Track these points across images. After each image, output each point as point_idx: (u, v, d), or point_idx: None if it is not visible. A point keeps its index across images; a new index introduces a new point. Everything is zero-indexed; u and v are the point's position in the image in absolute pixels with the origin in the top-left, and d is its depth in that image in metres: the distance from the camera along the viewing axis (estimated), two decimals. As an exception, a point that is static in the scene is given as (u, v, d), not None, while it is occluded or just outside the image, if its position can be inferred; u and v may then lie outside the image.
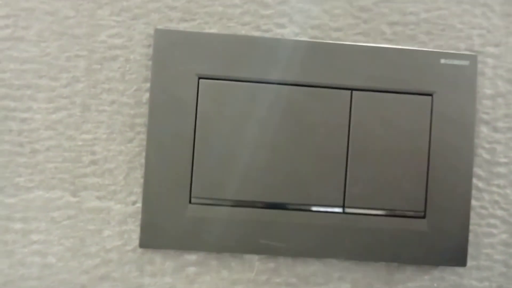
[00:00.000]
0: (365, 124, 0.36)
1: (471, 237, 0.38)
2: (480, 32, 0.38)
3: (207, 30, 0.37)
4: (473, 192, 0.38)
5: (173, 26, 0.36)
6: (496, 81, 0.38)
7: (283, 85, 0.36)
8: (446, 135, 0.37)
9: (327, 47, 0.36)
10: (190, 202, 0.35)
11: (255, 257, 0.37)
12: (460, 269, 0.38)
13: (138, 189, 0.36)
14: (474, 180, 0.38)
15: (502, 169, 0.38)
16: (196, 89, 0.35)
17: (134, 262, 0.36)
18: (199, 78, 0.35)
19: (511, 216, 0.38)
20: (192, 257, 0.37)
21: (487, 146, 0.38)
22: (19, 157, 0.36)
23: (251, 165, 0.36)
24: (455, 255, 0.37)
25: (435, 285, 0.38)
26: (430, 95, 0.37)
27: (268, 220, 0.36)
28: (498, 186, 0.38)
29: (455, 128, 0.37)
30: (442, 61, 0.37)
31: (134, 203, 0.36)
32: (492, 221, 0.38)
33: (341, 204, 0.36)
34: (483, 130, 0.38)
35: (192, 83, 0.35)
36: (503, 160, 0.38)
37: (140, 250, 0.36)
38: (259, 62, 0.36)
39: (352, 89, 0.36)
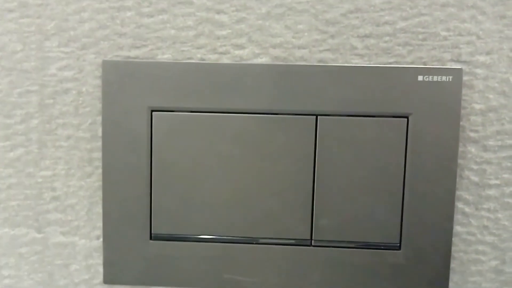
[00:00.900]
0: (332, 152, 0.33)
1: (456, 264, 0.35)
2: (468, 39, 0.33)
3: (160, 56, 0.34)
4: (459, 217, 0.35)
5: (123, 54, 0.34)
6: (487, 94, 0.34)
7: (242, 114, 0.33)
8: (423, 159, 0.33)
9: (289, 70, 0.33)
10: (151, 238, 0.34)
11: None
12: (443, 299, 0.36)
13: (101, 224, 0.36)
14: (460, 205, 0.35)
15: (492, 192, 0.35)
16: (150, 123, 0.33)
17: (103, 295, 0.37)
18: (152, 111, 0.33)
19: (502, 242, 0.35)
20: (159, 289, 0.36)
21: (475, 167, 0.34)
22: (-17, 196, 0.36)
23: (212, 199, 0.34)
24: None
25: (416, 315, 0.36)
26: (406, 117, 0.33)
27: (232, 255, 0.34)
28: (488, 210, 0.35)
29: (434, 151, 0.33)
30: (420, 78, 0.33)
31: (98, 237, 0.36)
32: (481, 247, 0.35)
33: (309, 237, 0.34)
34: (471, 150, 0.34)
35: (144, 116, 0.33)
36: (494, 182, 0.34)
37: (107, 283, 0.36)
38: (215, 90, 0.33)
39: (317, 115, 0.33)
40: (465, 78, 0.33)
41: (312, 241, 0.34)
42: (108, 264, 0.35)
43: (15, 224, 0.36)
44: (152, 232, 0.34)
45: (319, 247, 0.34)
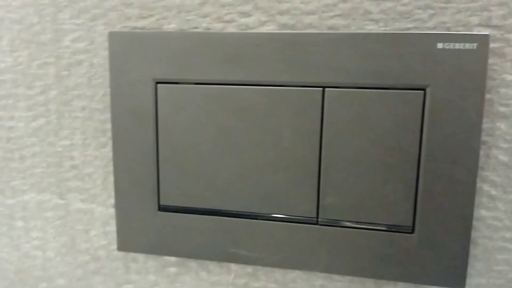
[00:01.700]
0: (340, 127, 0.31)
1: (479, 251, 0.32)
2: (501, 0, 0.29)
3: (166, 26, 0.34)
4: (484, 200, 0.31)
5: (131, 24, 0.34)
6: (522, 62, 0.30)
7: (246, 86, 0.32)
8: (442, 136, 0.30)
9: (296, 38, 0.31)
10: (159, 209, 0.35)
11: (232, 262, 0.36)
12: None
13: (116, 193, 0.37)
14: (486, 187, 0.31)
15: (525, 174, 0.31)
16: (155, 95, 0.33)
17: (120, 260, 0.38)
18: (157, 83, 0.33)
19: (535, 230, 0.31)
20: (172, 258, 0.37)
21: (505, 146, 0.31)
22: (12, 162, 0.38)
23: (218, 173, 0.33)
24: (451, 275, 0.31)
25: (432, 301, 0.34)
26: (423, 89, 0.30)
27: (237, 230, 0.34)
28: (519, 193, 0.31)
29: (454, 127, 0.30)
30: (439, 45, 0.29)
31: (113, 206, 0.37)
32: (508, 234, 0.32)
33: (315, 215, 0.33)
34: (500, 126, 0.30)
35: (150, 88, 0.33)
36: (526, 162, 0.31)
37: (123, 250, 0.38)
38: (220, 61, 0.32)
39: (324, 87, 0.31)
40: (494, 45, 0.30)
41: (319, 219, 0.33)
42: (121, 232, 0.36)
43: (40, 190, 0.38)
44: (160, 203, 0.35)
45: (326, 226, 0.33)
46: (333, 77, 0.31)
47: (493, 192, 0.31)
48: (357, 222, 0.32)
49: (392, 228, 0.32)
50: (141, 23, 0.34)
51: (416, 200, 0.31)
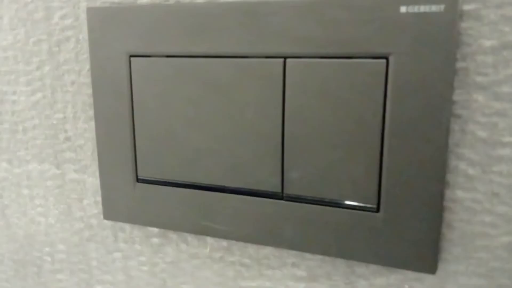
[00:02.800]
0: (302, 98, 0.30)
1: (456, 236, 0.29)
2: (476, -45, 0.26)
3: (140, 0, 0.34)
4: (461, 180, 0.29)
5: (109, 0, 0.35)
6: (501, 26, 0.26)
7: (209, 58, 0.32)
8: (407, 109, 0.28)
9: (256, 7, 0.30)
10: (137, 181, 0.36)
11: (208, 235, 0.36)
12: (440, 271, 0.30)
13: (103, 164, 0.38)
14: (462, 166, 0.28)
15: (506, 152, 0.27)
16: (129, 68, 0.34)
17: (110, 229, 0.40)
18: (130, 56, 0.34)
19: (519, 214, 0.28)
20: (154, 229, 0.38)
21: (483, 120, 0.28)
22: (17, 134, 0.41)
23: (188, 145, 0.34)
24: (421, 259, 0.29)
25: (406, 287, 0.31)
26: (385, 57, 0.28)
27: (208, 203, 0.34)
28: (500, 174, 0.28)
29: (420, 99, 0.27)
30: (403, 9, 0.27)
31: (101, 176, 0.39)
32: (489, 218, 0.29)
33: (280, 190, 0.32)
34: (478, 98, 0.27)
35: (124, 62, 0.34)
36: (508, 139, 0.27)
37: (111, 219, 0.39)
38: (188, 33, 0.32)
39: (285, 57, 0.30)
40: (469, 7, 0.27)
41: (284, 194, 0.32)
42: (105, 202, 0.38)
43: (40, 160, 0.41)
44: (138, 175, 0.36)
45: (291, 202, 0.32)
46: (294, 47, 0.29)
47: (471, 172, 0.28)
48: (322, 199, 0.31)
49: (357, 207, 0.30)
50: (118, -2, 0.35)
51: (380, 177, 0.29)
